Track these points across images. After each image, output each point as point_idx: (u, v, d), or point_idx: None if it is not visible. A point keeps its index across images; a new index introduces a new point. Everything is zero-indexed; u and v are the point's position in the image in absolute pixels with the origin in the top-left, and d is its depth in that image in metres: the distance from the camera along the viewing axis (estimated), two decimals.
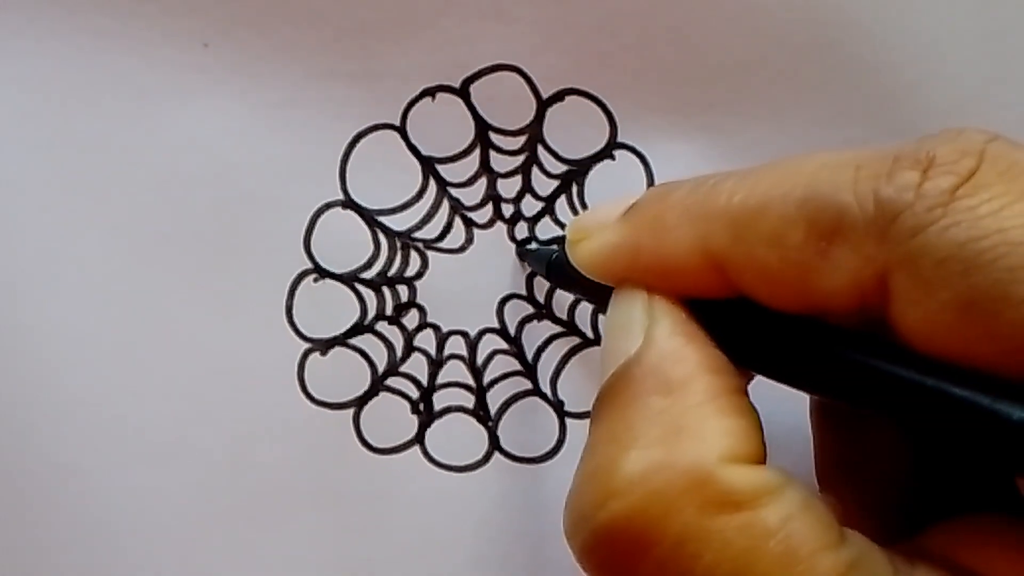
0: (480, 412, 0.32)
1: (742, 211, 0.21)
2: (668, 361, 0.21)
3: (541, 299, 0.32)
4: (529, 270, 0.32)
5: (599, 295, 0.24)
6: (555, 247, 0.30)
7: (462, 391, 0.32)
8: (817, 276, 0.20)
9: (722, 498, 0.19)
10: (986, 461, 0.21)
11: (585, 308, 0.32)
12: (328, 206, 0.31)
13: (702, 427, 0.20)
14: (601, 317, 0.31)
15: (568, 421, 0.31)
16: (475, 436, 0.32)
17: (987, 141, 0.19)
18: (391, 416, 0.31)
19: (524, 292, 0.32)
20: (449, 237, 0.32)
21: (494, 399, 0.32)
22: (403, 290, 0.32)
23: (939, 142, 0.20)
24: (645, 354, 0.22)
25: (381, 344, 0.32)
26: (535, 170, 0.31)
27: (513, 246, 0.32)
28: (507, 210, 0.32)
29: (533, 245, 0.32)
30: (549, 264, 0.28)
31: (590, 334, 0.32)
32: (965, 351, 0.18)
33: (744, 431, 0.20)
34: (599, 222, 0.24)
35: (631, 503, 0.20)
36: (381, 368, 0.32)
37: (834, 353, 0.20)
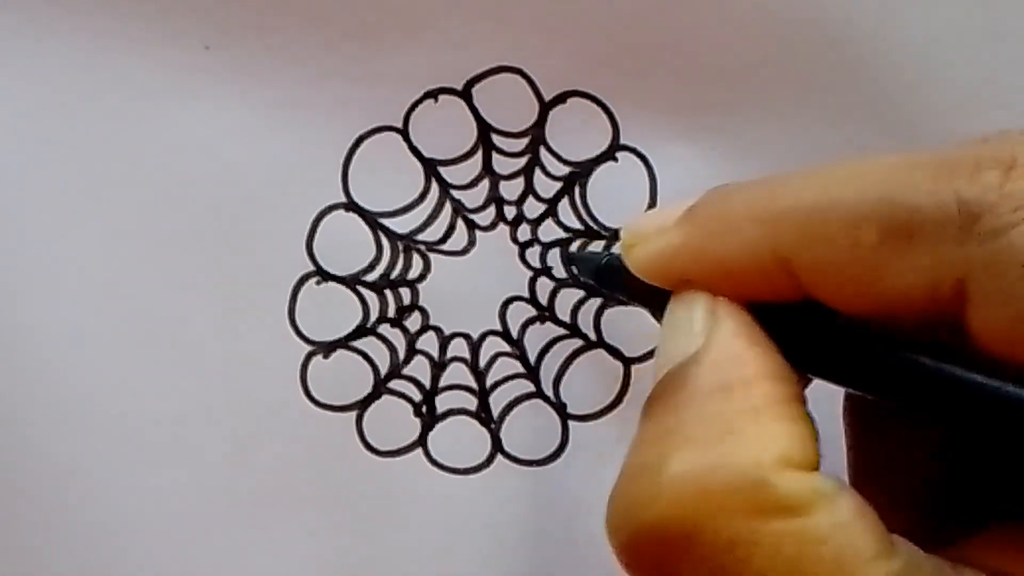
0: (483, 415, 0.32)
1: (813, 210, 0.20)
2: (729, 363, 0.21)
3: (544, 302, 0.32)
4: (531, 273, 0.32)
5: (654, 299, 0.24)
6: (604, 251, 0.30)
7: (465, 394, 0.32)
8: (891, 277, 0.20)
9: (774, 503, 0.19)
10: None
11: (588, 311, 0.31)
12: (330, 208, 0.31)
13: (758, 431, 0.20)
14: (606, 319, 0.31)
15: (571, 424, 0.31)
16: (478, 439, 0.32)
17: None
18: (393, 419, 0.31)
19: (527, 294, 0.32)
20: (451, 239, 0.32)
21: (497, 402, 0.32)
22: (405, 293, 0.32)
23: (1017, 144, 0.19)
24: (705, 355, 0.21)
25: (383, 347, 0.32)
26: (537, 172, 0.31)
27: (516, 248, 0.32)
28: (509, 212, 0.32)
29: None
30: (599, 269, 0.28)
31: (593, 336, 0.32)
32: None
33: (799, 438, 0.20)
34: (657, 225, 0.23)
35: (680, 504, 0.19)
36: (384, 371, 0.31)
37: (908, 358, 0.20)
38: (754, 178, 0.22)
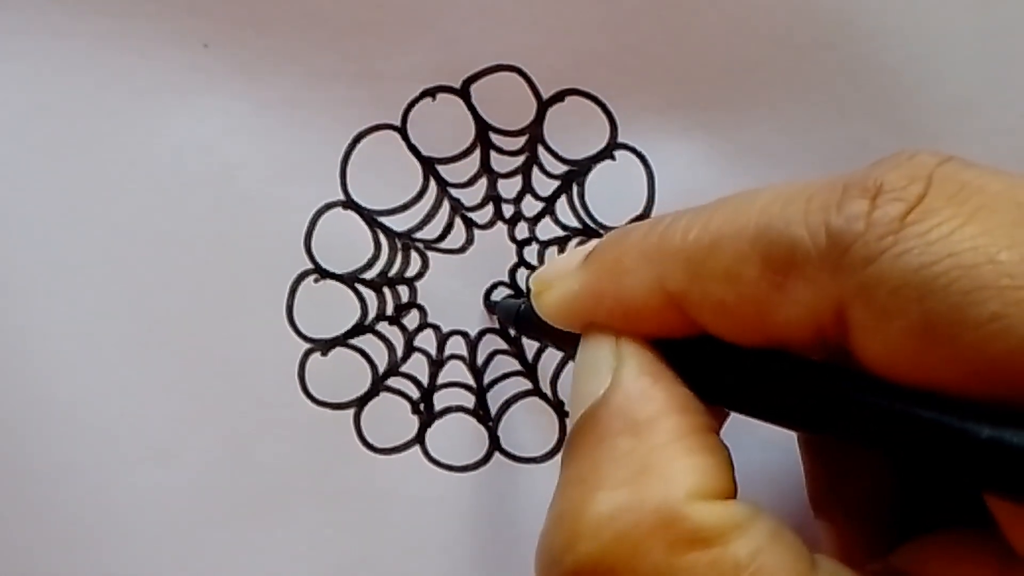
0: (480, 412, 0.32)
1: (696, 249, 0.21)
2: (635, 402, 0.21)
3: None
4: (528, 271, 0.32)
5: (568, 343, 0.24)
6: (521, 299, 0.30)
7: (462, 391, 0.32)
8: (774, 310, 0.20)
9: (690, 535, 0.19)
10: (956, 480, 0.21)
11: None
12: (329, 206, 0.31)
13: (668, 466, 0.20)
14: None
15: (568, 421, 0.31)
16: (475, 436, 0.32)
17: (937, 164, 0.19)
18: (392, 416, 0.31)
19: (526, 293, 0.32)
20: (449, 237, 0.32)
21: (494, 399, 0.32)
22: (403, 290, 0.32)
23: (888, 168, 0.19)
24: (612, 395, 0.22)
25: (382, 344, 0.32)
26: (535, 170, 0.31)
27: (514, 246, 0.32)
28: (507, 210, 0.32)
29: (499, 294, 0.32)
30: (516, 316, 0.29)
31: None
32: (927, 376, 0.18)
33: (712, 468, 0.20)
34: (560, 272, 0.24)
35: (599, 545, 0.20)
36: (382, 368, 0.32)
37: (799, 385, 0.20)
38: (649, 219, 0.23)
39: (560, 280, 0.24)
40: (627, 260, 0.22)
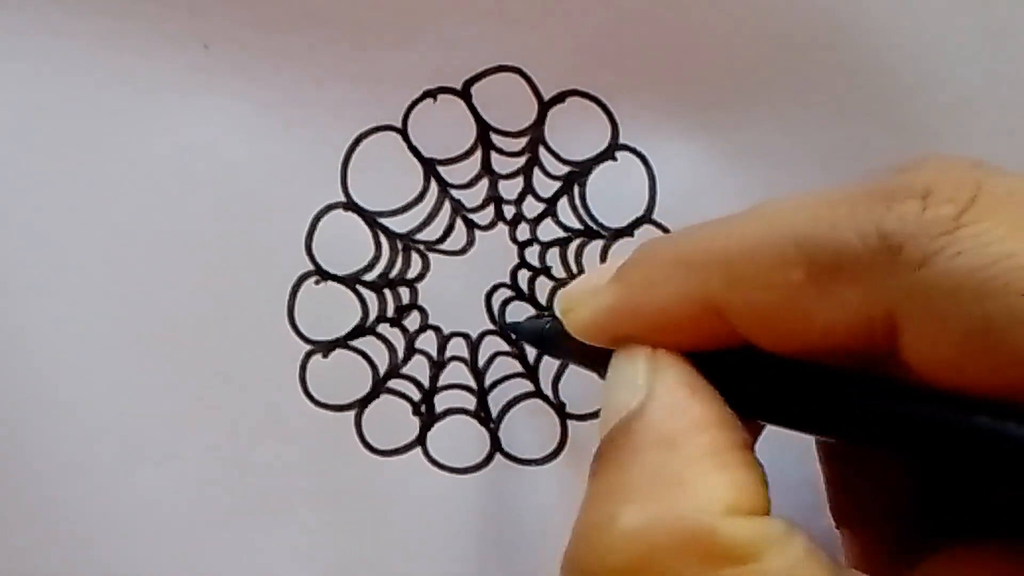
0: (481, 414, 0.32)
1: (738, 255, 0.21)
2: (670, 415, 0.21)
3: (543, 301, 0.32)
4: (530, 273, 0.32)
5: (598, 361, 0.24)
6: (545, 319, 0.30)
7: (463, 393, 0.32)
8: (822, 315, 0.20)
9: (723, 552, 0.19)
10: (1012, 491, 0.20)
11: None
12: (329, 208, 0.31)
13: (703, 481, 0.20)
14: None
15: (569, 423, 0.31)
16: (476, 438, 0.32)
17: (975, 167, 0.19)
18: (393, 418, 0.31)
19: (527, 294, 0.32)
20: (450, 239, 0.32)
21: (495, 401, 0.32)
22: (404, 292, 0.32)
23: (931, 172, 0.19)
24: (648, 408, 0.21)
25: (383, 346, 0.32)
26: (536, 172, 0.31)
27: (515, 247, 0.32)
28: (508, 212, 0.32)
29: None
30: (543, 335, 0.28)
31: None
32: (983, 381, 0.18)
33: (746, 484, 0.20)
34: (589, 289, 0.24)
35: (630, 559, 0.19)
36: (383, 370, 0.32)
37: (843, 396, 0.20)
38: (679, 229, 0.22)
39: (591, 296, 0.23)
40: (661, 271, 0.22)
